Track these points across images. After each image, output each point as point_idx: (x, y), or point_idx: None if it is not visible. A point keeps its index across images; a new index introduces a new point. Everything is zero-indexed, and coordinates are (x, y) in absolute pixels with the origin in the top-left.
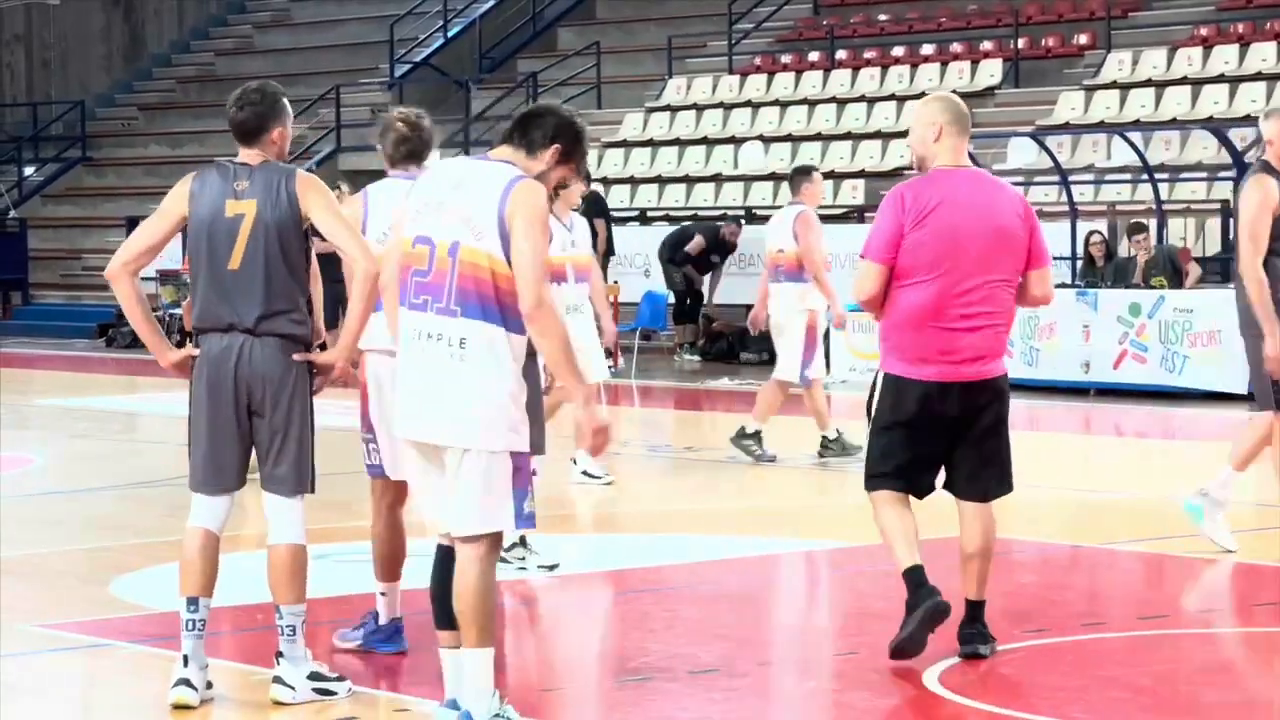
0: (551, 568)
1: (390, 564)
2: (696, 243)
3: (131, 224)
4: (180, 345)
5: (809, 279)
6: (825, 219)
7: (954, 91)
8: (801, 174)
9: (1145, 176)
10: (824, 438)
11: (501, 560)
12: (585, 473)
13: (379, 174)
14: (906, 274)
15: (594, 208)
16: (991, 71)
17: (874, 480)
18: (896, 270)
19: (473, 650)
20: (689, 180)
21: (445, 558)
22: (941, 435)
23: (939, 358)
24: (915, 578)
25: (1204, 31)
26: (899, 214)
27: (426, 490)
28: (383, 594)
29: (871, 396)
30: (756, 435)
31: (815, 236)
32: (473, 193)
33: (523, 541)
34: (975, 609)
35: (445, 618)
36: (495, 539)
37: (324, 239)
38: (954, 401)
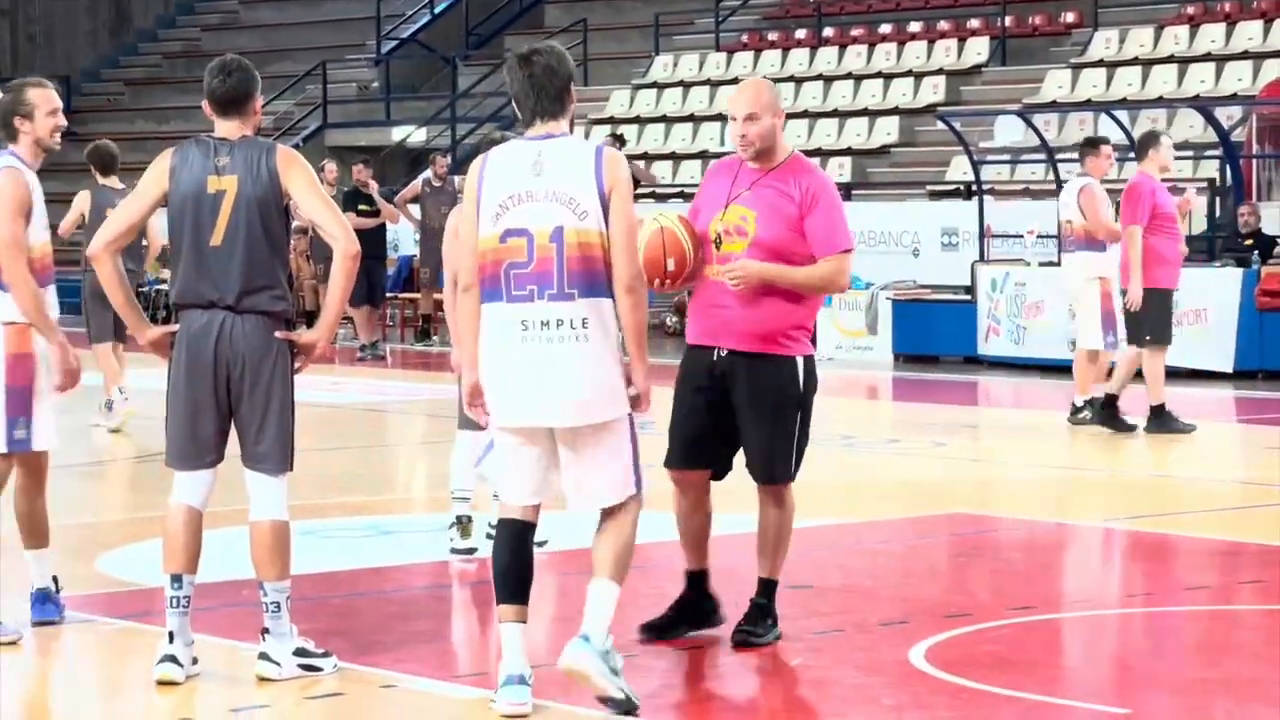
0: (540, 544)
1: (46, 529)
2: None
3: None
4: (167, 322)
5: (1098, 249)
6: None
7: (940, 69)
8: (1088, 146)
9: (1132, 154)
10: (1074, 405)
11: (489, 537)
12: None
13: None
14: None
15: None
16: (978, 49)
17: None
18: (810, 261)
19: (610, 582)
20: (675, 157)
21: (518, 532)
22: None
23: None
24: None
25: (1191, 10)
26: None
27: (521, 471)
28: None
29: (809, 384)
30: (1091, 404)
31: (1101, 207)
32: (561, 173)
33: None
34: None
35: (512, 592)
36: (639, 498)
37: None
38: None
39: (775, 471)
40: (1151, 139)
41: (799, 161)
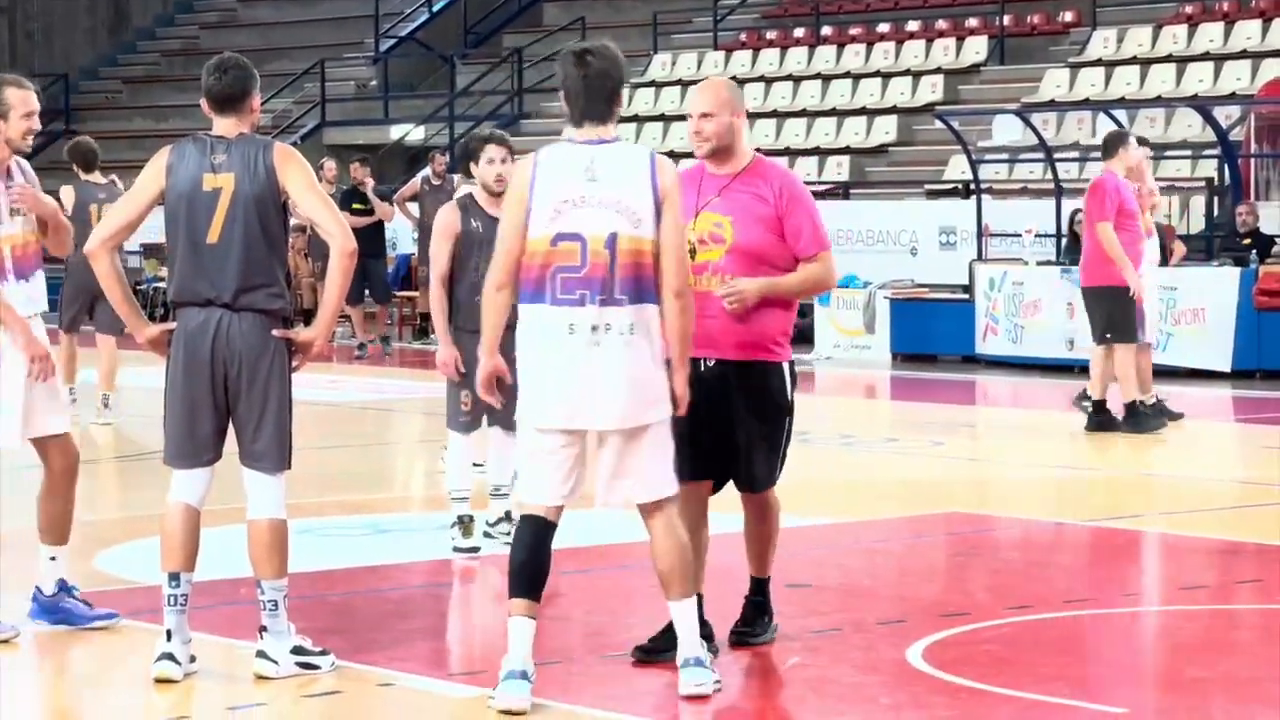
0: None
1: (68, 525)
2: None
3: None
4: (165, 319)
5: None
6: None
7: (939, 68)
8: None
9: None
10: (1083, 391)
11: (486, 535)
12: None
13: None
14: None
15: None
16: (977, 48)
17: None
18: (789, 262)
19: (687, 600)
20: (674, 155)
21: (539, 530)
22: None
23: None
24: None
25: (1189, 9)
26: None
27: (553, 472)
28: (53, 559)
29: (792, 389)
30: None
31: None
32: (617, 181)
33: (508, 516)
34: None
35: (526, 588)
36: (674, 499)
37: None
38: None
39: (766, 477)
40: (1120, 139)
41: (764, 163)
